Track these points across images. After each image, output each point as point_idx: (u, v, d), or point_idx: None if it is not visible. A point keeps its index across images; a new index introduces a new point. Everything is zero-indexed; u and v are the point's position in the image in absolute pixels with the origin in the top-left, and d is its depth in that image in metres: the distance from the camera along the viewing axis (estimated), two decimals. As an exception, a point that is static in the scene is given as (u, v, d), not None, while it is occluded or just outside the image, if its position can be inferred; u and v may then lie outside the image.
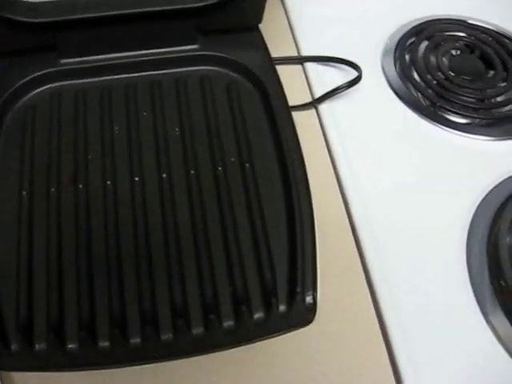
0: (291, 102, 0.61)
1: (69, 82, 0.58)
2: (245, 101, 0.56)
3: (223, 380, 0.50)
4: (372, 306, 0.54)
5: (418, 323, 0.53)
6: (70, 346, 0.45)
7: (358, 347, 0.52)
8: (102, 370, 0.49)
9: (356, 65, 0.67)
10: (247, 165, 0.52)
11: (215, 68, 0.59)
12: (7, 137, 0.54)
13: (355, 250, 0.57)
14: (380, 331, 0.53)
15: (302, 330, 0.48)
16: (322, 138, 0.65)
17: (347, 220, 0.59)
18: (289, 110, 0.54)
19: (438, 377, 0.50)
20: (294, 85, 0.67)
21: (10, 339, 0.45)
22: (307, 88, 0.69)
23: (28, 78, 0.57)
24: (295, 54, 0.73)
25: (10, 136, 0.54)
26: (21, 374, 0.49)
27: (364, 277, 0.55)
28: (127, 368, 0.49)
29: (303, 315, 0.47)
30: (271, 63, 0.58)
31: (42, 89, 0.57)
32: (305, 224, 0.49)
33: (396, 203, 0.60)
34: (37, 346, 0.45)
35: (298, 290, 0.47)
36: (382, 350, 0.52)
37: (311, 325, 0.48)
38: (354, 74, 0.68)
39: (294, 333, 0.48)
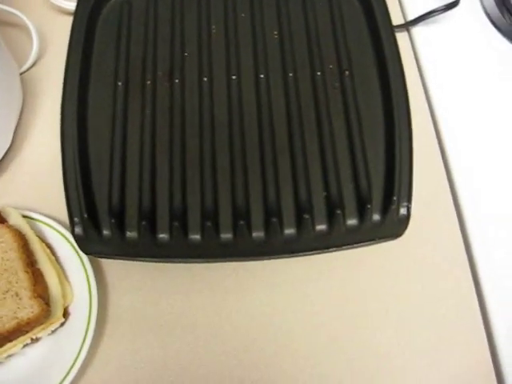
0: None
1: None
2: (346, 10, 0.55)
3: (304, 285, 0.50)
4: (460, 234, 0.53)
5: (506, 255, 0.51)
6: (160, 235, 0.45)
7: (441, 271, 0.51)
8: (187, 264, 0.49)
9: (453, -12, 0.64)
10: (346, 72, 0.51)
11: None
12: (103, 30, 0.54)
13: (445, 175, 0.55)
14: (467, 260, 0.51)
15: (389, 246, 0.47)
16: (414, 61, 0.63)
17: (437, 145, 0.57)
18: (391, 22, 0.52)
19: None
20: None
21: (103, 225, 0.45)
22: (400, 11, 0.67)
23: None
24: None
25: (106, 30, 0.54)
26: (109, 262, 0.49)
27: (453, 204, 0.54)
28: (210, 265, 0.49)
29: (396, 226, 0.46)
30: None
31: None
32: (403, 135, 0.48)
33: (487, 132, 0.58)
34: (128, 234, 0.45)
35: (394, 198, 0.46)
36: (468, 276, 0.51)
37: (397, 241, 0.47)
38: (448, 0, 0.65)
39: (380, 246, 0.47)
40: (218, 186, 0.47)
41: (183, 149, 0.48)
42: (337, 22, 0.53)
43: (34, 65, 0.61)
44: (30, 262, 0.46)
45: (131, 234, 0.45)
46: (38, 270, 0.47)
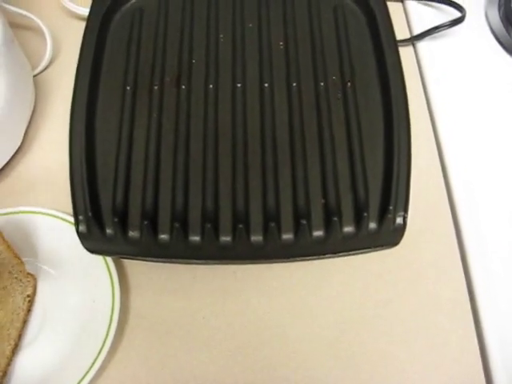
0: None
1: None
2: (350, 22, 0.56)
3: (297, 289, 0.52)
4: (456, 240, 0.53)
5: (501, 258, 0.52)
6: (161, 236, 0.47)
7: (437, 278, 0.52)
8: (188, 265, 0.50)
9: (459, 5, 0.66)
10: (349, 84, 0.52)
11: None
12: (115, 36, 0.56)
13: (443, 183, 0.56)
14: (461, 265, 0.52)
15: (386, 253, 0.48)
16: (419, 76, 0.64)
17: (438, 158, 0.58)
18: (394, 36, 0.53)
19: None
20: (393, 21, 0.65)
21: (106, 224, 0.47)
22: (406, 26, 0.68)
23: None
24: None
25: (117, 35, 0.56)
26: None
27: (451, 215, 0.55)
28: (211, 266, 0.50)
29: (392, 235, 0.47)
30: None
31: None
32: (402, 146, 0.49)
33: (488, 146, 0.59)
34: (130, 233, 0.47)
35: (391, 207, 0.47)
36: (462, 283, 0.51)
37: (394, 250, 0.47)
38: (454, 15, 0.66)
39: (378, 254, 0.48)
40: (219, 189, 0.48)
41: (187, 153, 0.49)
42: (341, 33, 0.55)
43: (46, 68, 0.63)
44: None
45: (133, 234, 0.47)
46: None
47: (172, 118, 0.51)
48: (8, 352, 0.47)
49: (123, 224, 0.47)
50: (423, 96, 0.62)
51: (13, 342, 0.47)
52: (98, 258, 0.50)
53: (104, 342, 0.47)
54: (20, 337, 0.48)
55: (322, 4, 0.57)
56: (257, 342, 0.49)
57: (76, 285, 0.50)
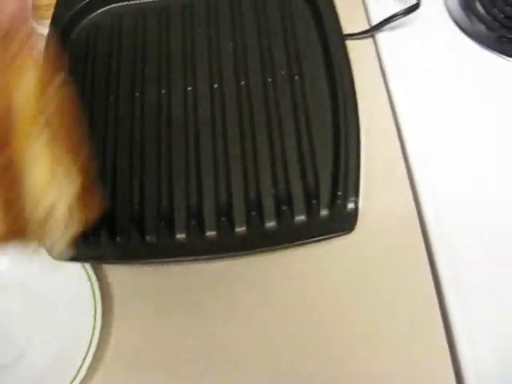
0: (349, 30, 0.62)
1: (131, 3, 0.60)
2: (297, 18, 0.58)
3: (253, 283, 0.51)
4: (418, 219, 0.53)
5: (464, 238, 0.51)
6: (148, 237, 0.48)
7: (400, 260, 0.52)
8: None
9: (414, -9, 0.66)
10: (296, 77, 0.53)
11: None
12: (73, 49, 0.58)
13: (403, 164, 0.56)
14: (424, 245, 0.52)
15: (348, 240, 0.48)
16: (379, 66, 0.64)
17: (397, 137, 0.58)
18: (340, 28, 0.55)
19: (482, 292, 0.49)
20: (351, 13, 0.67)
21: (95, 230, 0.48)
22: (365, 18, 0.69)
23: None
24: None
25: (75, 49, 0.58)
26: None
27: (411, 191, 0.55)
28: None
29: (344, 221, 0.48)
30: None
31: (105, 8, 0.60)
32: (350, 133, 0.50)
33: (451, 132, 0.59)
34: (118, 239, 0.49)
35: (340, 193, 0.47)
36: (425, 264, 0.51)
37: (355, 235, 0.48)
38: (412, 3, 0.67)
39: (338, 241, 0.49)
40: (173, 190, 0.49)
41: (143, 154, 0.51)
42: (288, 30, 0.56)
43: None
44: None
45: (120, 238, 0.48)
46: None
47: (127, 126, 0.52)
48: None
49: (111, 229, 0.48)
50: (383, 86, 0.62)
51: None
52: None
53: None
54: None
55: (269, 0, 0.58)
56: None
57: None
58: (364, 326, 0.48)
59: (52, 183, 0.33)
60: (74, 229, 0.35)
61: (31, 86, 0.32)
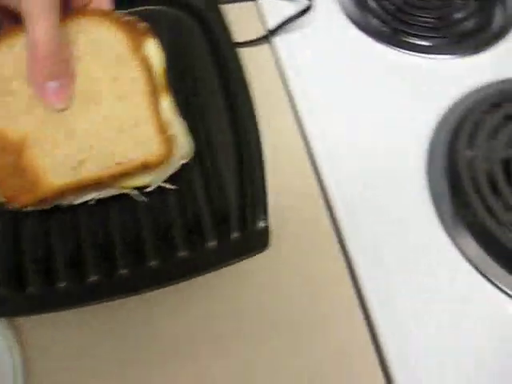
0: (245, 38, 0.61)
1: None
2: (189, 38, 0.56)
3: (176, 314, 0.51)
4: (333, 230, 0.54)
5: (378, 244, 0.53)
6: (59, 284, 0.46)
7: (319, 272, 0.52)
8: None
9: (306, -7, 0.66)
10: (192, 97, 0.52)
11: (157, 7, 0.59)
12: None
13: (314, 176, 0.57)
14: (343, 255, 0.53)
15: (263, 256, 0.48)
16: (277, 72, 0.65)
17: (305, 149, 0.59)
18: (230, 36, 0.54)
19: (404, 295, 0.50)
20: (248, 21, 0.66)
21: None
22: (261, 24, 0.68)
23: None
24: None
25: None
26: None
27: (324, 202, 0.56)
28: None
29: (257, 240, 0.47)
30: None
31: None
32: (252, 151, 0.49)
33: (356, 128, 0.60)
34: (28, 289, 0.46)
35: (248, 215, 0.47)
36: (345, 273, 0.52)
37: (271, 251, 0.48)
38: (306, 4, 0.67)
39: (255, 260, 0.49)
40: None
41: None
42: (180, 49, 0.55)
43: None
44: None
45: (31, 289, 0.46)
46: None
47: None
48: None
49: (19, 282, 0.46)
50: (284, 92, 0.62)
51: None
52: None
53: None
54: None
55: (158, 23, 0.56)
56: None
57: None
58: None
59: None
60: None
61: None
